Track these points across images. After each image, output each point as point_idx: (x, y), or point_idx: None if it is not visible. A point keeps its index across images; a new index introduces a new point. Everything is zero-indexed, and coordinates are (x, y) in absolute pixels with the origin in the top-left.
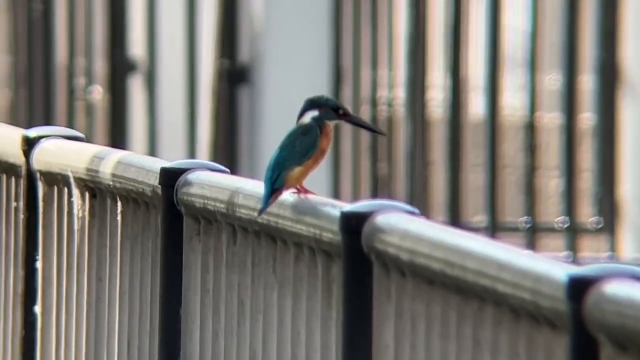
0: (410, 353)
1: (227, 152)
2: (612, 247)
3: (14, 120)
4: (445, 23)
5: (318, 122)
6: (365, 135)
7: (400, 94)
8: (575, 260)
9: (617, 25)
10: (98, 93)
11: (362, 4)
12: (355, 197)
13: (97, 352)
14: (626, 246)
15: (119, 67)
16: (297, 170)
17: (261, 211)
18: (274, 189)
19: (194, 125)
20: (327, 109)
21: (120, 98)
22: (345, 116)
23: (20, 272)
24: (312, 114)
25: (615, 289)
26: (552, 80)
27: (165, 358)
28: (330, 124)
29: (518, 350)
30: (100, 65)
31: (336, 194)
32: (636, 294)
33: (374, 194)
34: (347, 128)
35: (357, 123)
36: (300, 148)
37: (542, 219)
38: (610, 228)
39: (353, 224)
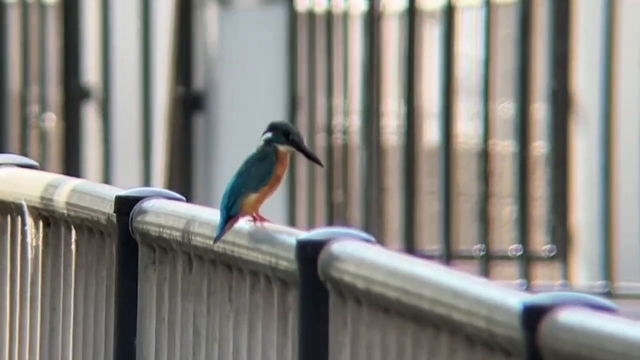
0: None
1: (183, 180)
2: (565, 275)
3: None
4: (400, 51)
5: (269, 144)
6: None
7: (355, 121)
8: (528, 288)
9: (569, 54)
10: (52, 120)
11: (317, 32)
12: (311, 225)
13: None
14: (579, 274)
15: (73, 95)
16: (253, 197)
17: (217, 239)
18: (229, 215)
19: (148, 152)
20: (279, 132)
21: (74, 125)
22: (293, 142)
23: None
24: (267, 136)
25: (569, 317)
26: (505, 108)
27: None
28: (283, 150)
29: None
30: (53, 93)
31: (292, 222)
32: (589, 322)
33: (330, 222)
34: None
35: (302, 150)
36: (256, 175)
37: (496, 247)
38: (563, 256)
39: (309, 252)
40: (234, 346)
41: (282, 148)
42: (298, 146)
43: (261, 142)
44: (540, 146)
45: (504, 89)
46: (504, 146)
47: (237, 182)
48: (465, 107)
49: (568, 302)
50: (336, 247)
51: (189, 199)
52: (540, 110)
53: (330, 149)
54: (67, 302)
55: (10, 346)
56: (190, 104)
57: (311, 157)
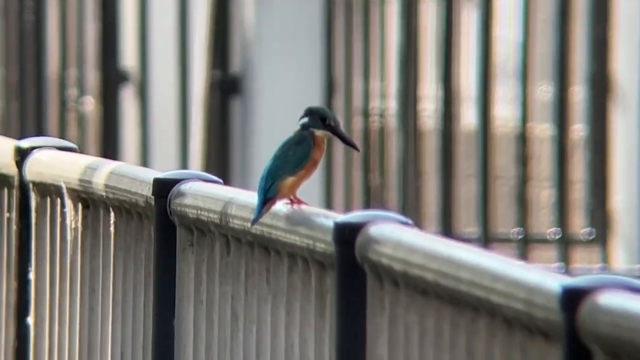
0: None
1: (220, 163)
2: (604, 258)
3: (6, 131)
4: (437, 34)
5: (305, 129)
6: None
7: (393, 105)
8: (567, 272)
9: (608, 37)
10: (90, 104)
11: (354, 14)
12: (348, 208)
13: None
14: (618, 257)
15: (111, 78)
16: (290, 180)
17: (254, 221)
18: (267, 198)
19: (186, 135)
20: (316, 117)
21: (113, 109)
22: (329, 127)
23: (13, 283)
24: (304, 120)
25: (608, 299)
26: (543, 92)
27: None
28: (320, 134)
29: None
30: (92, 76)
31: (329, 205)
32: (629, 305)
33: (367, 205)
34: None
35: (338, 134)
36: (293, 158)
37: (534, 230)
38: (603, 239)
39: (346, 234)
40: (271, 328)
41: (318, 133)
42: (334, 131)
43: (298, 127)
44: (578, 129)
45: (542, 72)
46: (542, 129)
47: (275, 165)
48: (503, 90)
49: (607, 284)
50: (374, 230)
51: (226, 181)
52: (578, 94)
53: (367, 133)
54: (106, 284)
55: (50, 327)
56: (227, 88)
57: (348, 141)
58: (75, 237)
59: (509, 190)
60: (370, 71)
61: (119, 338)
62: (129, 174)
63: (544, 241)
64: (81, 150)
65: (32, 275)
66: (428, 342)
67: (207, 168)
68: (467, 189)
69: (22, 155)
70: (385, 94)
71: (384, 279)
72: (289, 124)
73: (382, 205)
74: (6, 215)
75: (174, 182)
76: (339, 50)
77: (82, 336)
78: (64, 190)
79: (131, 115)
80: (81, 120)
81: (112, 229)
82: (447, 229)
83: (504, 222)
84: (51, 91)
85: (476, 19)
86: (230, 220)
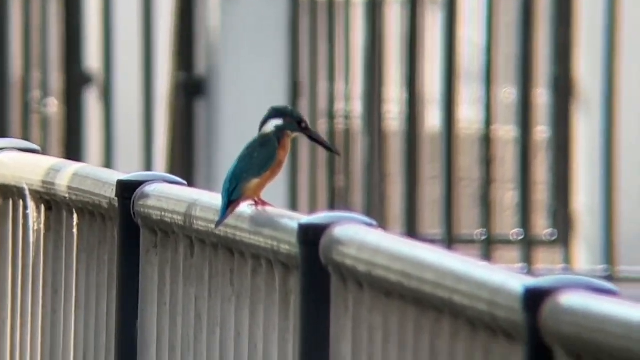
0: None
1: (184, 164)
2: (567, 259)
3: None
4: (402, 37)
5: (280, 131)
6: (322, 148)
7: (357, 107)
8: (530, 272)
9: (571, 40)
10: (53, 106)
11: (318, 17)
12: (313, 209)
13: None
14: (580, 258)
15: (75, 80)
16: (254, 181)
17: (218, 223)
18: (231, 200)
19: (150, 137)
20: (292, 119)
21: (76, 110)
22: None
23: None
24: (276, 122)
25: (570, 300)
26: (507, 94)
27: None
28: (290, 135)
29: None
30: (55, 78)
31: (293, 206)
32: (590, 305)
33: (331, 206)
34: (305, 140)
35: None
36: (258, 160)
37: (498, 231)
38: (565, 240)
39: (311, 235)
40: (235, 330)
41: (294, 135)
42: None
43: (271, 129)
44: (542, 131)
45: (506, 75)
46: (506, 131)
47: (239, 167)
48: (467, 92)
49: (569, 285)
50: (338, 231)
51: (190, 183)
52: (542, 96)
53: (332, 135)
54: (68, 286)
55: (12, 329)
56: (191, 90)
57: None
58: (38, 239)
59: (473, 191)
60: (335, 73)
61: (82, 340)
62: (93, 176)
63: (507, 242)
64: (44, 151)
65: None
66: (392, 342)
67: (172, 170)
68: (431, 191)
69: None
70: (350, 96)
71: (348, 280)
72: (254, 126)
73: (347, 207)
74: None
75: (138, 183)
76: (304, 52)
77: (45, 338)
78: (27, 192)
79: (95, 117)
80: (44, 122)
81: (75, 230)
82: (411, 230)
83: (468, 223)
84: (14, 93)
85: (440, 21)
86: (195, 221)
